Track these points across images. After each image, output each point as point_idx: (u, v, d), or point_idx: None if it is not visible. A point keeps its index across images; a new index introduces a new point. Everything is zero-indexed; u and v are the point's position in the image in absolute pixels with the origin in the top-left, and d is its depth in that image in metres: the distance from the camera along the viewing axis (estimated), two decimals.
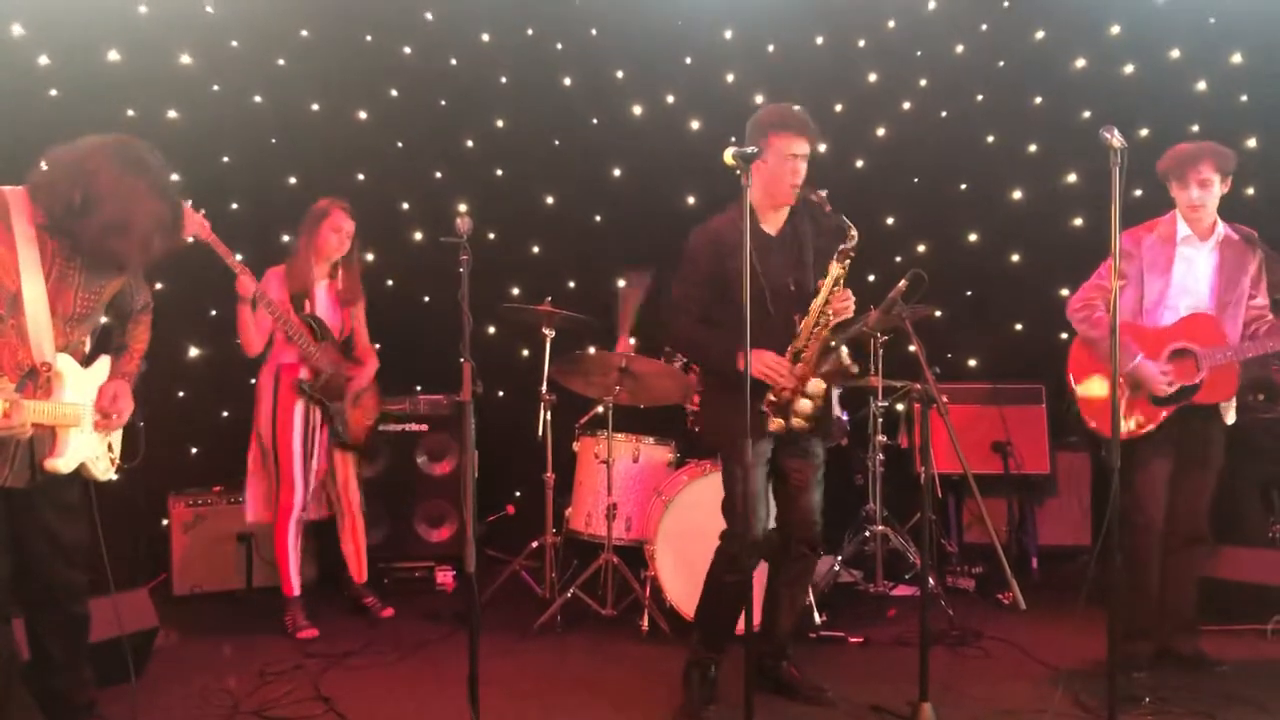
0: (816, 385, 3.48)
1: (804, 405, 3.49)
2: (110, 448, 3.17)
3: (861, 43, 6.57)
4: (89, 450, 3.03)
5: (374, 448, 5.59)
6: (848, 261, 3.50)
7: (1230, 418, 4.04)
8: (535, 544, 5.24)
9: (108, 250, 2.85)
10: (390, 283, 6.36)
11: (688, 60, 6.39)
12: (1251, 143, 6.20)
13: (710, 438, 3.94)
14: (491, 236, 6.43)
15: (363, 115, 6.26)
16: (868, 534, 5.29)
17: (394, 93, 6.32)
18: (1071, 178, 6.44)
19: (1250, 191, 6.15)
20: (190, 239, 4.34)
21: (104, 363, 3.15)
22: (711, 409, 3.90)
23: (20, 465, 2.87)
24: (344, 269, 4.87)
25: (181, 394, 5.87)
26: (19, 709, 2.98)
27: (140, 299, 3.30)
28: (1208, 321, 3.97)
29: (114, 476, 3.18)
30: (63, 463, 2.92)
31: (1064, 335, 5.50)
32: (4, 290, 2.80)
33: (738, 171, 3.05)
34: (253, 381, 6.04)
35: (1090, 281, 4.19)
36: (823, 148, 6.56)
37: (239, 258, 4.94)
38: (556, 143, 6.53)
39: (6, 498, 2.89)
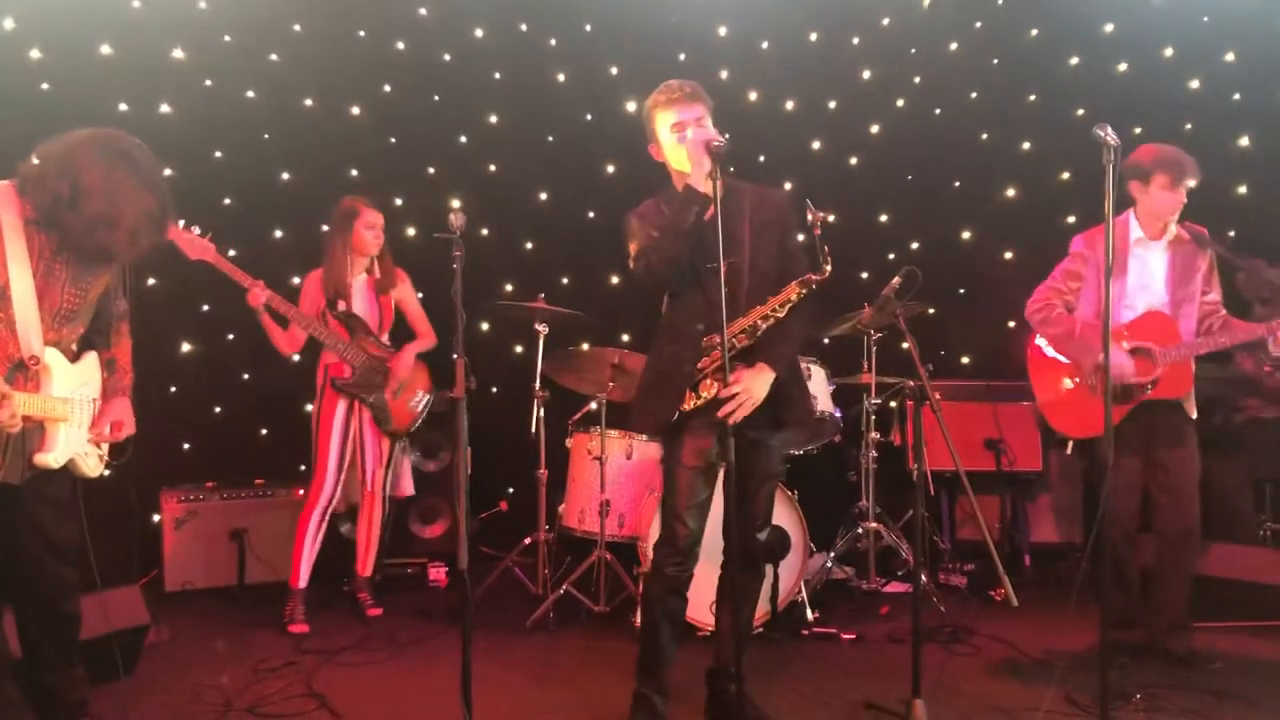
0: (711, 384, 3.18)
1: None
2: (99, 444, 3.17)
3: (855, 40, 6.58)
4: (78, 446, 3.02)
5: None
6: (809, 290, 3.23)
7: (1192, 412, 4.09)
8: (528, 541, 5.24)
9: (96, 243, 2.83)
10: None
11: (681, 57, 6.39)
12: (1244, 141, 6.23)
13: (636, 420, 3.51)
14: (485, 233, 6.44)
15: (356, 111, 6.25)
16: (860, 531, 5.30)
17: (387, 88, 6.31)
18: (1065, 175, 6.46)
19: (1242, 190, 6.17)
20: (196, 260, 4.35)
21: (92, 359, 3.14)
22: (644, 385, 3.48)
23: (13, 460, 2.86)
24: (379, 260, 4.94)
25: (174, 389, 5.86)
26: (10, 707, 2.96)
27: (121, 305, 3.29)
28: (1163, 320, 4.04)
29: (104, 473, 3.17)
30: (53, 457, 2.91)
31: None
32: None
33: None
34: (246, 377, 6.07)
35: (1045, 284, 4.27)
36: (816, 144, 6.62)
37: (232, 253, 4.93)
38: (550, 139, 6.53)
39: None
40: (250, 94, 6.05)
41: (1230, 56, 6.29)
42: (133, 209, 2.82)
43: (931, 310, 5.41)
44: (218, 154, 5.97)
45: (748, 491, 3.31)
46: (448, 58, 6.38)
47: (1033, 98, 6.50)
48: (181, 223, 4.33)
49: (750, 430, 3.20)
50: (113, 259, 2.95)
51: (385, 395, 4.83)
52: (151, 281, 5.70)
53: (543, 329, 5.13)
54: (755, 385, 3.15)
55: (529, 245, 6.56)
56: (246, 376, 6.07)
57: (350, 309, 4.79)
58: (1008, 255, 6.54)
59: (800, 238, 3.35)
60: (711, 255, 3.16)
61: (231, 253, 5.56)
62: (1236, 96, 6.27)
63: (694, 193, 3.12)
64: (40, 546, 3.00)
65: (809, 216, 3.24)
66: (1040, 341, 4.34)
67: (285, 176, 6.14)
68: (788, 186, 6.53)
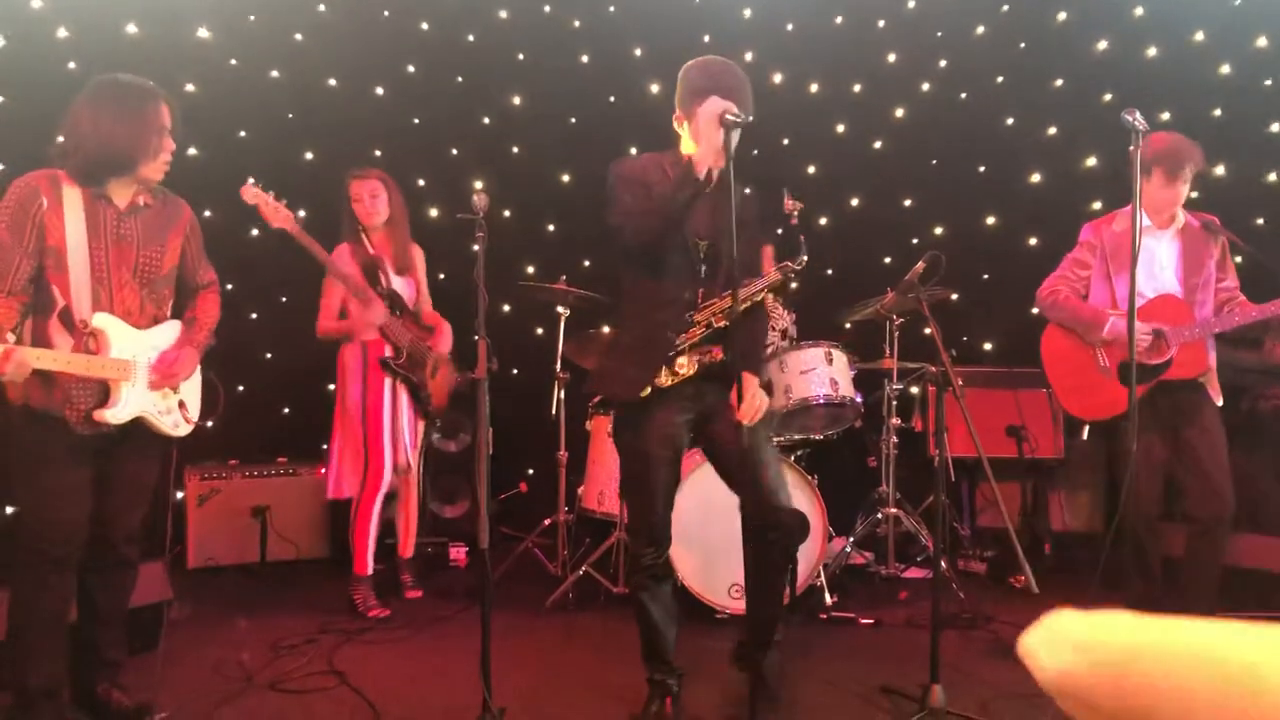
0: (686, 363, 3.15)
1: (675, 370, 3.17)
2: (182, 405, 3.27)
3: (881, 23, 6.53)
4: (146, 405, 3.11)
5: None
6: (785, 277, 3.20)
7: (1216, 397, 4.04)
8: (548, 522, 5.27)
9: (102, 164, 3.00)
10: None
11: (706, 39, 6.36)
12: (1275, 128, 6.14)
13: (606, 385, 3.36)
14: (507, 214, 6.44)
15: (380, 91, 6.26)
16: (880, 516, 5.28)
17: (411, 69, 6.31)
18: (1091, 161, 6.40)
19: (1272, 178, 6.10)
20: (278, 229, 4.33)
21: (172, 326, 3.26)
22: (620, 347, 3.37)
23: (85, 416, 3.00)
24: (390, 236, 4.79)
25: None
26: (51, 658, 3.02)
27: (204, 275, 3.43)
28: (1175, 303, 4.00)
29: (187, 431, 3.31)
30: (112, 414, 3.01)
31: None
32: (56, 254, 2.96)
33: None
34: (269, 356, 6.10)
35: (1055, 273, 4.25)
36: (841, 128, 6.59)
37: (254, 233, 4.94)
38: (573, 120, 6.51)
39: (96, 445, 3.03)
40: (275, 74, 6.07)
41: (1262, 41, 6.20)
42: (78, 114, 3.01)
43: (955, 296, 5.38)
44: (242, 133, 5.99)
45: (745, 447, 3.09)
46: (472, 38, 6.38)
47: (1059, 82, 6.44)
48: (271, 193, 4.25)
49: (722, 407, 3.14)
50: (124, 169, 3.06)
51: (425, 375, 4.81)
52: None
53: (564, 311, 5.14)
54: (761, 392, 3.14)
55: (551, 227, 6.57)
56: (269, 355, 6.11)
57: (390, 286, 4.74)
58: (1032, 241, 6.49)
59: (787, 224, 3.27)
60: (703, 230, 3.15)
61: (254, 232, 5.60)
62: (1268, 82, 6.18)
63: (695, 169, 3.01)
64: (130, 503, 3.21)
65: (786, 205, 3.18)
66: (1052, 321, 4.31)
67: (309, 156, 6.16)
68: (811, 170, 6.50)
